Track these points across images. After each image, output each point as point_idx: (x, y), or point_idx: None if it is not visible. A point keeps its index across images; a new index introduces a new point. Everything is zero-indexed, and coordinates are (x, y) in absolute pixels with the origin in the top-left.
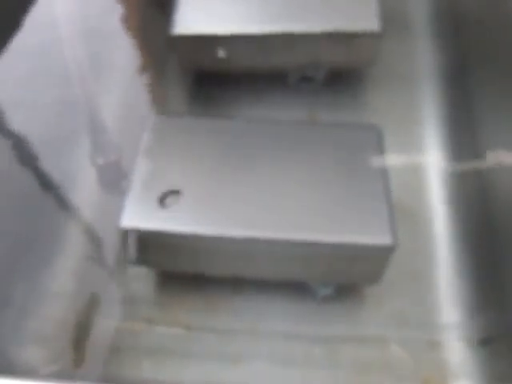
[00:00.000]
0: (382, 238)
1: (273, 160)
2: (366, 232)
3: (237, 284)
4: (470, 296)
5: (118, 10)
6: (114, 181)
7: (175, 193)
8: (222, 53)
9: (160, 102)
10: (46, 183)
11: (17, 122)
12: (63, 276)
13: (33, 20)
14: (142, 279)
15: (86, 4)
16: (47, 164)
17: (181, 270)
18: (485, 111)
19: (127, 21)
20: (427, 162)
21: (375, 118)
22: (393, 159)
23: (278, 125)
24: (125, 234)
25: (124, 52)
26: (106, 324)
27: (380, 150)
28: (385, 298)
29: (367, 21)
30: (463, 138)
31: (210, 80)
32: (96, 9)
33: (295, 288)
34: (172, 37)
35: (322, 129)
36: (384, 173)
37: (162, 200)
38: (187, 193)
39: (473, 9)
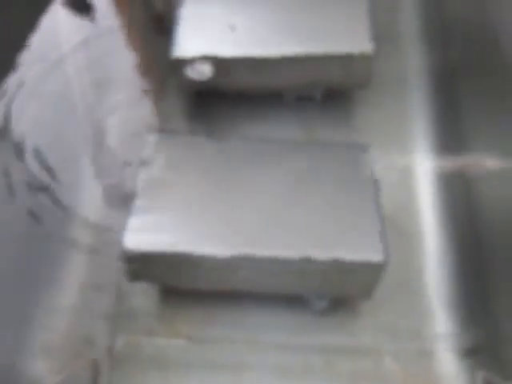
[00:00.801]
0: (373, 255)
1: (268, 179)
2: (357, 249)
3: (235, 297)
4: (459, 308)
5: (120, 34)
6: (118, 200)
7: (175, 213)
8: (220, 74)
9: (161, 121)
10: (54, 202)
11: (25, 144)
12: (69, 291)
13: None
14: (143, 293)
15: (89, 27)
16: (54, 184)
17: (180, 287)
18: (472, 126)
19: (129, 43)
20: (417, 178)
21: (368, 134)
22: (383, 175)
23: (273, 144)
24: (127, 253)
25: (126, 73)
26: (107, 336)
27: (371, 168)
28: (378, 310)
29: (360, 43)
30: (452, 152)
31: (209, 99)
32: (98, 31)
33: (292, 300)
34: (172, 59)
35: (315, 148)
36: (375, 190)
37: (163, 220)
38: (187, 213)
39: (461, 25)
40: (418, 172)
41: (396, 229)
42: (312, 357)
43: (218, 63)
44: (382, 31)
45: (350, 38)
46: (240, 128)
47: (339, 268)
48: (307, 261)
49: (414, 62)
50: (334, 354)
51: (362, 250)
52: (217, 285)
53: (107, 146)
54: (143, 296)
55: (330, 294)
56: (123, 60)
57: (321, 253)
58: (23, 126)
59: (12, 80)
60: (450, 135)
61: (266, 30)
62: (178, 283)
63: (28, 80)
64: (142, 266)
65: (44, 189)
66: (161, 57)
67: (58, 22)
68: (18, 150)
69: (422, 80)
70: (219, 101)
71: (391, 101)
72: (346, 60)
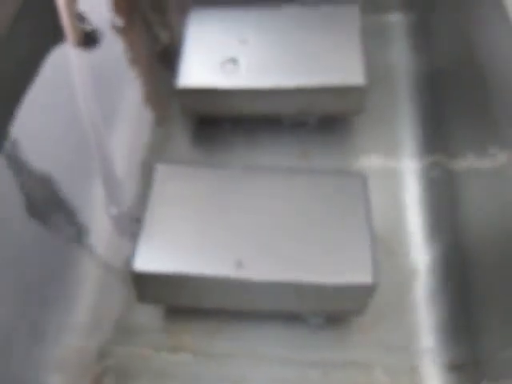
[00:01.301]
0: (364, 278)
1: (266, 206)
2: (350, 273)
3: (237, 313)
4: (444, 325)
5: (127, 65)
6: (126, 227)
7: (180, 238)
8: (221, 103)
9: (164, 148)
10: (66, 226)
11: (34, 171)
12: (80, 309)
13: (47, 74)
14: (151, 310)
15: (96, 57)
16: (65, 211)
17: (185, 306)
18: (460, 153)
19: (136, 74)
20: (408, 201)
21: (362, 159)
22: (375, 196)
23: (270, 172)
24: (135, 275)
25: (132, 103)
26: (119, 351)
27: (364, 195)
28: (369, 327)
29: (354, 76)
30: (441, 175)
31: (210, 124)
32: (106, 64)
33: (290, 317)
34: (176, 90)
35: (310, 175)
36: (368, 216)
37: (168, 245)
38: (191, 238)
39: (448, 61)
40: (408, 193)
41: (389, 250)
42: (309, 369)
43: (219, 94)
44: (374, 62)
45: (344, 71)
46: (239, 152)
47: (333, 290)
48: (302, 284)
49: (403, 91)
50: (329, 366)
51: (354, 273)
52: (219, 304)
53: (115, 175)
54: (150, 313)
55: (325, 312)
56: (130, 90)
57: (315, 277)
58: (35, 154)
59: (24, 110)
60: (438, 155)
61: (265, 63)
62: (184, 303)
63: (40, 110)
64: (149, 287)
65: (57, 212)
66: (165, 87)
67: (67, 56)
68: (31, 177)
69: (410, 108)
70: (220, 126)
71: (383, 129)
72: (340, 92)
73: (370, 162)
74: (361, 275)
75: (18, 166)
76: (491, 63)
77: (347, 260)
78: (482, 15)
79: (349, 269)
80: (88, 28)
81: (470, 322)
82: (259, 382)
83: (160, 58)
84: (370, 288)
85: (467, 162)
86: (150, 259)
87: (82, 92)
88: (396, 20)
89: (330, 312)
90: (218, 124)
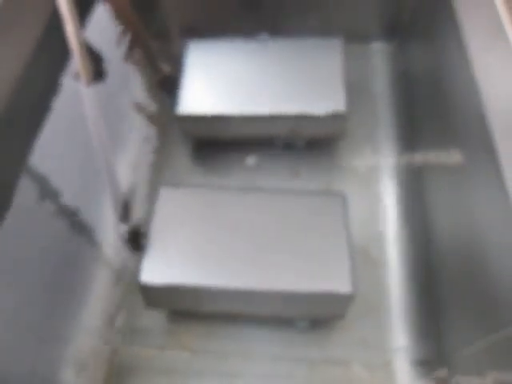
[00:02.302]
0: (344, 288)
1: (258, 223)
2: (331, 283)
3: (232, 317)
4: (416, 325)
5: (132, 93)
6: (133, 240)
7: (181, 252)
8: (217, 128)
9: (167, 168)
10: (80, 238)
11: (51, 190)
12: (94, 314)
13: (62, 105)
14: (155, 313)
15: (105, 88)
16: (80, 226)
17: (186, 310)
18: (429, 152)
19: (139, 101)
20: (386, 215)
21: (346, 176)
22: (356, 209)
23: (262, 193)
24: (143, 285)
25: (136, 126)
26: (126, 350)
27: (344, 212)
28: (349, 328)
29: (336, 104)
30: (415, 181)
31: (208, 146)
32: (112, 90)
33: (279, 321)
34: (177, 116)
35: (298, 195)
36: (347, 231)
37: (172, 258)
38: (192, 252)
39: (422, 83)
40: (386, 206)
41: (368, 259)
42: (295, 366)
43: (216, 119)
44: (358, 84)
45: (327, 99)
46: (235, 171)
47: (317, 297)
48: (289, 292)
49: (382, 111)
50: (313, 363)
51: (335, 283)
52: (216, 309)
53: (122, 194)
54: (154, 316)
55: (310, 316)
56: (135, 117)
57: (301, 286)
58: (52, 175)
59: (43, 137)
60: (414, 183)
61: (257, 91)
62: (185, 308)
63: (56, 137)
64: (154, 295)
65: (73, 227)
66: (166, 112)
67: (79, 89)
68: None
69: (389, 126)
70: (217, 148)
71: (364, 145)
72: (324, 119)
73: (353, 177)
74: (341, 285)
75: (38, 186)
76: (451, 83)
77: (329, 271)
78: (445, 45)
79: (330, 279)
80: (98, 66)
81: (437, 323)
82: (252, 377)
83: (161, 85)
84: (349, 296)
85: (434, 166)
86: (155, 271)
87: (92, 120)
88: (377, 48)
89: (314, 316)
90: (215, 146)
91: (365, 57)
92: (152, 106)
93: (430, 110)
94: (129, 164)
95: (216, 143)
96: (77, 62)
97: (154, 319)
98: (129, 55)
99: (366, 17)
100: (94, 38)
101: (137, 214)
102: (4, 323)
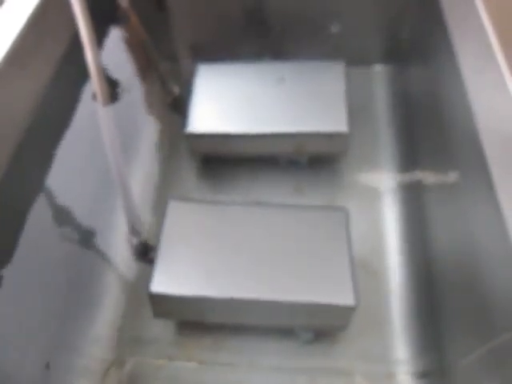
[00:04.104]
0: (346, 300)
1: (263, 237)
2: (333, 294)
3: (238, 328)
4: (416, 338)
5: (143, 113)
6: (142, 253)
7: (190, 264)
8: (225, 146)
9: (175, 182)
10: (92, 253)
11: (65, 203)
12: (102, 324)
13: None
14: (163, 325)
15: (118, 108)
16: (91, 238)
17: (194, 321)
18: (427, 171)
19: (150, 120)
20: (386, 230)
21: (348, 193)
22: (357, 224)
23: (267, 207)
24: (152, 296)
25: (147, 144)
26: (136, 360)
27: (346, 226)
28: (352, 340)
29: (339, 124)
30: (414, 198)
31: (215, 163)
32: (126, 110)
33: (284, 332)
34: (186, 134)
35: (301, 210)
36: (349, 244)
37: (180, 270)
38: (199, 264)
39: (420, 104)
40: (387, 222)
41: (370, 272)
42: (298, 376)
43: (223, 138)
44: (359, 105)
45: (330, 119)
46: (240, 187)
47: (320, 309)
48: (294, 304)
49: (383, 130)
50: (316, 374)
51: (337, 295)
52: (223, 320)
53: (134, 208)
54: (162, 326)
55: (313, 327)
56: (146, 134)
57: (305, 298)
58: (69, 190)
59: (60, 154)
60: (412, 182)
61: (262, 111)
62: (192, 318)
63: (72, 152)
64: (163, 305)
65: (84, 240)
66: (175, 131)
67: (95, 109)
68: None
69: (389, 146)
70: (223, 165)
71: (365, 163)
72: (326, 137)
73: (355, 193)
74: (344, 297)
75: (56, 200)
76: (446, 105)
77: (332, 284)
78: (440, 68)
79: (333, 291)
80: (114, 88)
81: (438, 334)
82: None
83: (171, 105)
84: (352, 308)
85: (432, 183)
86: (165, 282)
87: (107, 138)
88: (377, 70)
89: (317, 328)
90: (221, 163)
91: (366, 79)
92: (162, 125)
93: (427, 130)
94: (139, 179)
95: (223, 161)
96: (94, 84)
97: (162, 330)
98: (140, 76)
99: (367, 41)
100: (106, 58)
101: (146, 227)
102: (15, 332)
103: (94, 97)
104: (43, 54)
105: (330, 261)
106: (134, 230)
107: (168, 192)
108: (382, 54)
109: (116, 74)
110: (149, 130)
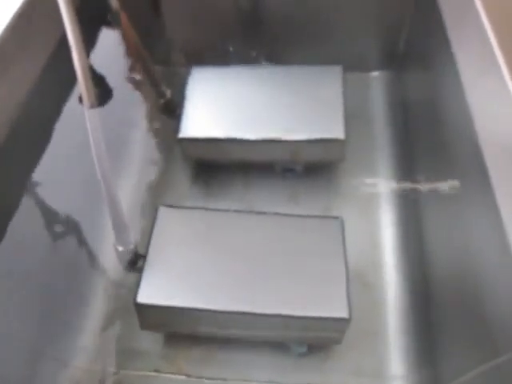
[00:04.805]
0: (340, 313)
1: (256, 246)
2: (327, 308)
3: (229, 340)
4: (411, 353)
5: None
6: (131, 262)
7: (178, 274)
8: (218, 151)
9: (167, 187)
10: (76, 261)
11: (53, 210)
12: (89, 335)
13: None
14: (152, 336)
15: (108, 111)
16: (77, 248)
17: (183, 333)
18: (426, 177)
19: (142, 124)
20: (383, 240)
21: (344, 201)
22: (353, 233)
23: (261, 215)
24: (139, 306)
25: (138, 149)
26: (123, 373)
27: (342, 236)
28: (346, 354)
29: (335, 130)
30: (411, 206)
31: (208, 168)
32: (117, 114)
33: (276, 345)
34: (179, 139)
35: (296, 219)
36: (345, 255)
37: (169, 280)
38: (189, 274)
39: (418, 110)
40: (384, 231)
41: (365, 284)
42: None
43: (216, 143)
44: (353, 114)
45: (326, 125)
46: (234, 193)
47: (313, 322)
48: (285, 317)
49: (380, 137)
50: None
51: (331, 308)
52: (213, 333)
53: (122, 214)
54: (151, 338)
55: (307, 341)
56: (138, 139)
57: (299, 310)
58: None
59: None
60: (411, 208)
61: (257, 116)
62: (181, 331)
63: (59, 159)
64: (150, 317)
65: (70, 249)
66: (168, 135)
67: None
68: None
69: (387, 153)
70: (217, 170)
71: (362, 170)
72: (323, 144)
73: (351, 202)
74: (337, 310)
75: (40, 207)
76: (446, 111)
77: (326, 296)
78: (440, 73)
79: (327, 304)
80: (102, 89)
81: (434, 350)
82: None
83: (163, 109)
84: (346, 320)
85: (430, 192)
86: (152, 293)
87: (94, 142)
88: (375, 76)
89: (310, 341)
90: (215, 169)
91: (363, 85)
92: (154, 128)
93: (426, 137)
94: (129, 185)
95: (216, 167)
96: (81, 86)
97: (150, 341)
98: (132, 79)
99: (365, 46)
100: (97, 61)
101: (137, 235)
102: None
103: (80, 100)
104: (28, 56)
105: (325, 272)
106: (121, 239)
107: (160, 198)
108: (380, 60)
109: (107, 76)
110: (141, 134)
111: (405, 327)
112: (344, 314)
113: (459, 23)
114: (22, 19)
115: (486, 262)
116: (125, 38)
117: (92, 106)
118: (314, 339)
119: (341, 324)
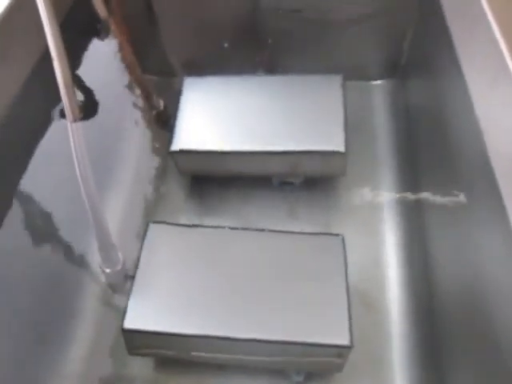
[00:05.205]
0: (341, 340)
1: (252, 266)
2: (327, 334)
3: (223, 366)
4: (418, 379)
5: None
6: (118, 283)
7: (168, 297)
8: (212, 164)
9: (160, 202)
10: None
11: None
12: (74, 361)
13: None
14: (141, 361)
15: (98, 123)
16: (63, 267)
17: (173, 358)
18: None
19: (134, 136)
20: (386, 257)
21: (345, 216)
22: (355, 257)
23: (257, 233)
24: (126, 331)
25: (130, 162)
26: None
27: (343, 256)
28: (347, 380)
29: (336, 143)
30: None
31: (203, 181)
32: (108, 126)
33: (273, 372)
34: (171, 152)
35: (294, 237)
36: (346, 275)
37: (157, 304)
38: (179, 297)
39: (421, 120)
40: (386, 247)
41: (367, 306)
42: None
43: (211, 155)
44: (355, 124)
45: (327, 137)
46: (230, 207)
47: (311, 349)
48: (283, 343)
49: (382, 148)
50: None
51: (331, 334)
52: (204, 359)
53: (108, 236)
54: (140, 363)
55: (306, 369)
56: (129, 152)
57: (296, 337)
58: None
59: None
60: (415, 223)
61: (254, 128)
62: (171, 356)
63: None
64: (138, 342)
65: (56, 268)
66: (162, 147)
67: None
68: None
69: (389, 165)
70: (213, 183)
71: (363, 184)
72: (322, 157)
73: (352, 217)
74: (339, 337)
75: (25, 224)
76: (452, 121)
77: (327, 322)
78: (445, 82)
79: (327, 330)
80: (88, 102)
81: (441, 376)
82: None
83: (156, 120)
84: (347, 349)
85: (435, 206)
86: (140, 317)
87: (77, 156)
88: (377, 85)
89: (308, 369)
90: (210, 182)
91: (365, 94)
92: (147, 140)
93: (431, 149)
94: (121, 200)
95: (211, 180)
96: (63, 98)
97: (139, 367)
98: (123, 90)
99: (366, 54)
100: (85, 72)
101: (126, 254)
102: None
103: (62, 113)
104: (13, 63)
105: (325, 295)
106: (108, 260)
107: (152, 214)
108: (382, 68)
109: (96, 87)
110: (132, 147)
111: (409, 350)
112: (345, 341)
113: (466, 32)
114: (1, 31)
115: (497, 280)
116: (115, 47)
117: (75, 120)
118: (313, 366)
119: (342, 351)
